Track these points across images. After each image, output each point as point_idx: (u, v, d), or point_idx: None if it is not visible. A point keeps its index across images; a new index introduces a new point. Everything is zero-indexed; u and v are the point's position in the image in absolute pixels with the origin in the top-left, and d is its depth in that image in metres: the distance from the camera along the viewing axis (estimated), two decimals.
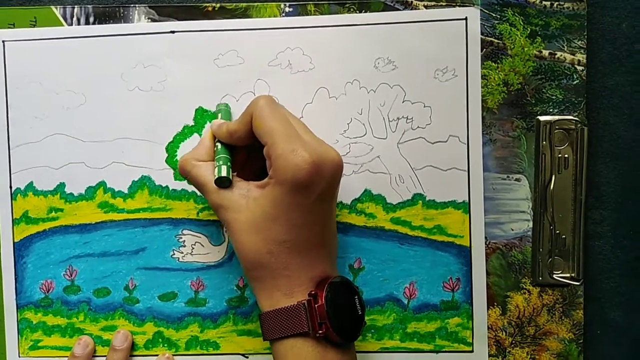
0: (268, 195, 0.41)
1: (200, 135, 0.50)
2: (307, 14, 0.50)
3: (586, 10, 0.49)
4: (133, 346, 0.51)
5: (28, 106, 0.51)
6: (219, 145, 0.46)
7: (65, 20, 0.51)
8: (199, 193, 0.50)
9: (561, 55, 0.50)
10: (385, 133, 0.50)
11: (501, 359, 0.51)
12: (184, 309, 0.51)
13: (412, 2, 0.50)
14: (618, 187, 0.51)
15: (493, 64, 0.50)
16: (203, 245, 0.51)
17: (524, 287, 0.50)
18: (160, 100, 0.51)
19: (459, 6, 0.49)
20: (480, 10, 0.49)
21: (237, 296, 0.51)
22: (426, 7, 0.50)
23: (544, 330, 0.50)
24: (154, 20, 0.51)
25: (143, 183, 0.51)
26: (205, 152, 0.46)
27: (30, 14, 0.51)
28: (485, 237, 0.50)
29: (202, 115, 0.51)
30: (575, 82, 0.50)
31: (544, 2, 0.49)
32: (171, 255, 0.51)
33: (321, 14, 0.50)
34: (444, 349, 0.50)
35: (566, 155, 0.50)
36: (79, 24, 0.51)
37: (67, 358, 0.51)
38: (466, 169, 0.50)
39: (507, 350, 0.51)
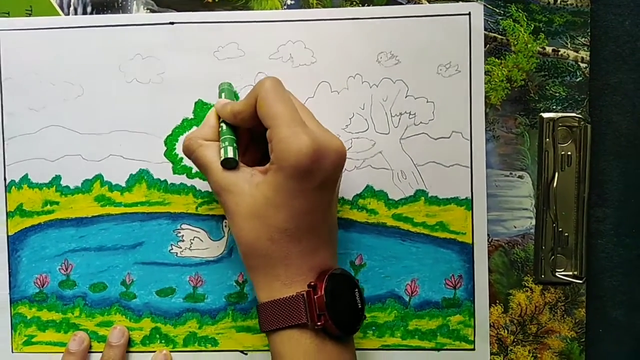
0: (270, 181, 0.40)
1: None
2: (309, 7, 0.50)
3: (590, 8, 0.49)
4: (130, 342, 0.51)
5: (23, 97, 0.50)
6: (223, 125, 0.44)
7: (62, 9, 0.50)
8: (198, 187, 0.50)
9: (564, 52, 0.49)
10: (388, 128, 0.50)
11: (503, 357, 0.50)
12: (182, 304, 0.50)
13: None
14: (621, 185, 0.51)
15: (496, 60, 0.49)
16: (202, 240, 0.50)
17: (526, 285, 0.50)
18: (159, 92, 0.50)
19: (463, 1, 0.49)
20: (484, 5, 0.49)
21: (236, 292, 0.50)
22: (429, 1, 0.49)
23: (546, 328, 0.50)
24: (153, 11, 0.50)
25: (141, 176, 0.50)
26: (211, 132, 0.44)
27: (25, 3, 0.50)
28: (488, 235, 0.50)
29: (201, 109, 0.50)
30: (578, 79, 0.49)
31: None
32: (169, 250, 0.50)
33: (323, 6, 0.50)
34: (445, 347, 0.50)
35: (569, 153, 0.50)
36: (76, 13, 0.50)
37: (61, 354, 0.50)
38: (469, 165, 0.49)
39: (509, 349, 0.50)
